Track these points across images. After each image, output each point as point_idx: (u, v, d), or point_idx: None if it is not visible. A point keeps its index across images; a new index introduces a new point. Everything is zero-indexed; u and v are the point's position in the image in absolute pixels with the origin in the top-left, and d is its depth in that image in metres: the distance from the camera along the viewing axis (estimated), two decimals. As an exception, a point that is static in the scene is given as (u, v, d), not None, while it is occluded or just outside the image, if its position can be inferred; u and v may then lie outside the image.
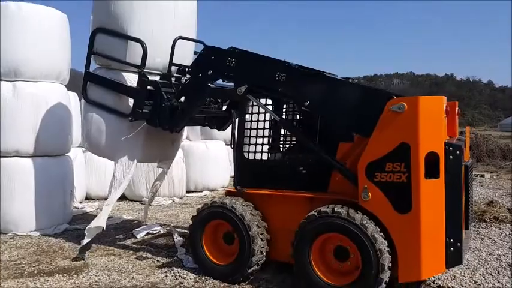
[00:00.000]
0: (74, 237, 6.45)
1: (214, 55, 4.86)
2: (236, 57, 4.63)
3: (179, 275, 4.66)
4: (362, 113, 3.94)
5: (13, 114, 6.80)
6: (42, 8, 7.14)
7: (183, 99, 5.29)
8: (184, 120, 5.26)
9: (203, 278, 4.56)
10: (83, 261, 5.34)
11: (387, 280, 3.67)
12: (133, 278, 4.69)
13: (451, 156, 3.57)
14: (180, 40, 5.45)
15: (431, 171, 3.56)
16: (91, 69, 5.96)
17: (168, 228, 6.82)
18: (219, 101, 5.89)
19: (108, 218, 7.84)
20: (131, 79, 5.59)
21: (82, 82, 5.87)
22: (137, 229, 6.78)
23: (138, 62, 5.38)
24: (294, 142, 5.15)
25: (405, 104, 3.57)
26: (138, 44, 5.38)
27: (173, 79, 5.52)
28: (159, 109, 5.21)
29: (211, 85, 5.02)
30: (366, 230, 3.61)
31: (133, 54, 5.49)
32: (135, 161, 5.71)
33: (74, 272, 4.94)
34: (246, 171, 4.74)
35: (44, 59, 7.00)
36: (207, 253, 4.61)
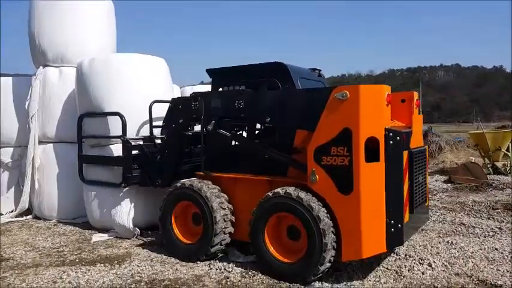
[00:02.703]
0: (116, 226, 6.31)
1: (180, 104, 5.20)
2: (198, 100, 4.93)
3: (224, 269, 4.38)
4: (312, 111, 4.06)
5: (59, 99, 6.76)
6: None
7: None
8: (171, 172, 5.36)
9: (250, 273, 4.26)
10: (125, 251, 5.18)
11: (334, 245, 3.83)
12: (176, 269, 4.46)
13: (391, 142, 3.78)
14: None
15: (372, 156, 3.73)
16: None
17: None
18: None
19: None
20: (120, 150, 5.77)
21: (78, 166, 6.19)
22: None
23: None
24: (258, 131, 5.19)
25: (347, 92, 3.76)
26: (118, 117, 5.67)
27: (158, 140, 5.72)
28: (147, 169, 5.48)
29: (188, 133, 5.34)
30: (301, 201, 3.89)
31: (115, 127, 5.74)
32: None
33: (116, 261, 4.77)
34: (214, 156, 4.95)
35: (90, 44, 6.91)
36: (176, 233, 4.88)
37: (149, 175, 5.47)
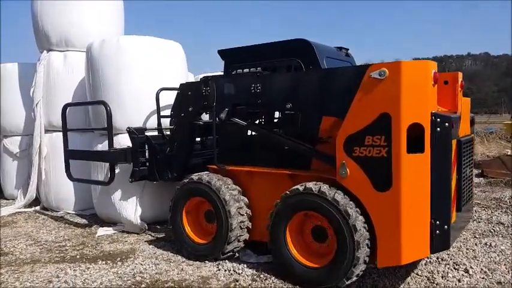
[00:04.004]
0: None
1: (189, 90, 4.65)
2: (209, 84, 4.38)
3: (234, 270, 3.97)
4: (342, 94, 3.50)
5: (64, 85, 6.45)
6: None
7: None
8: (182, 166, 4.88)
9: (261, 276, 3.84)
10: (130, 247, 4.83)
11: (366, 260, 3.35)
12: (182, 269, 4.08)
13: (438, 129, 3.22)
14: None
15: (416, 145, 3.21)
16: None
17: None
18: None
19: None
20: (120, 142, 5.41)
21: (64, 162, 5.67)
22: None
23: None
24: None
25: (386, 70, 3.19)
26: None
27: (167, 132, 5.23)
28: (155, 162, 5.00)
29: (199, 122, 4.85)
30: (337, 205, 3.36)
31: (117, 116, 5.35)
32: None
33: (118, 258, 4.42)
34: (227, 148, 4.44)
35: (95, 27, 6.57)
36: (188, 232, 4.45)
37: (157, 169, 5.01)
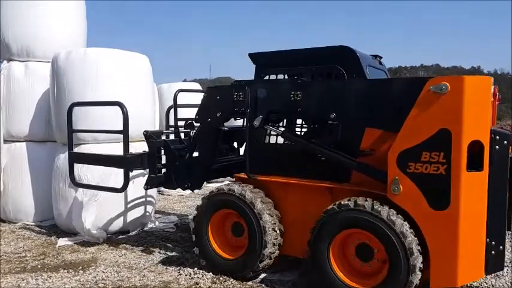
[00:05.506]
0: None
1: (218, 95, 4.42)
2: (243, 90, 4.18)
3: (194, 274, 4.18)
4: (394, 107, 3.43)
5: (24, 96, 6.43)
6: (55, -15, 6.73)
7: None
8: (202, 174, 4.72)
9: (221, 278, 4.06)
10: (91, 256, 4.92)
11: (417, 284, 3.23)
12: (144, 275, 4.24)
13: (497, 147, 3.18)
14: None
15: (474, 163, 3.12)
16: None
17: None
18: (236, 146, 5.20)
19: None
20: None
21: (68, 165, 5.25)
22: (152, 219, 6.34)
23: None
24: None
25: (448, 84, 3.08)
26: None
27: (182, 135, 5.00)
28: (174, 169, 4.72)
29: (224, 128, 4.61)
30: (394, 226, 3.18)
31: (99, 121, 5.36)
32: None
33: (80, 267, 4.52)
34: (259, 156, 4.20)
35: (57, 38, 6.59)
36: (214, 246, 4.23)
37: (176, 176, 4.70)
